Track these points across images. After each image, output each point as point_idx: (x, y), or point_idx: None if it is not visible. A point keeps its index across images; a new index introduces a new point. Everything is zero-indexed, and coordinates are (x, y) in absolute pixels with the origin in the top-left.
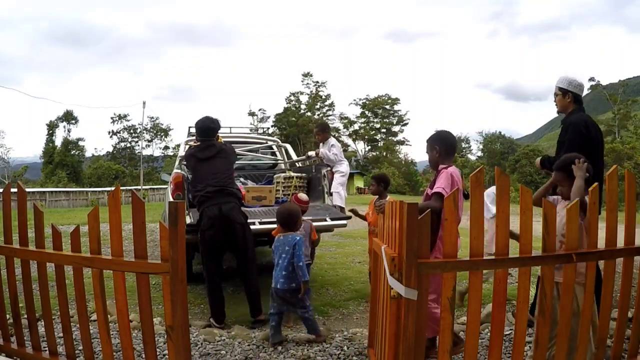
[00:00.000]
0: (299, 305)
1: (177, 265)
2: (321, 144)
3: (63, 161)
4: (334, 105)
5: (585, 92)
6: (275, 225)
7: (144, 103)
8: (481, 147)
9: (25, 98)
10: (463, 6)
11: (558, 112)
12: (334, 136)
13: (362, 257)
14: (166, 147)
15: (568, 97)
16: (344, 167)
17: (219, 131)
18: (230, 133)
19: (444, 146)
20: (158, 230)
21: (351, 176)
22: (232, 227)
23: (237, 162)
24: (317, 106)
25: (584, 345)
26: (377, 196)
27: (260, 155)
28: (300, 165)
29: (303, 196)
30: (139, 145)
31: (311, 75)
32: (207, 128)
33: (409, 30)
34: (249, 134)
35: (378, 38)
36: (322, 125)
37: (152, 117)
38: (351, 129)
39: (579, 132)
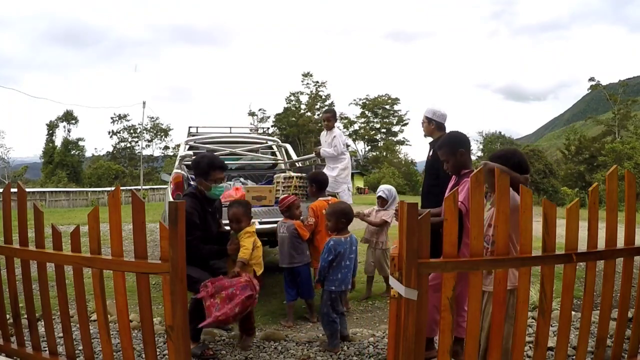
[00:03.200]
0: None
1: (177, 265)
2: (324, 133)
3: (63, 161)
4: (334, 106)
5: (585, 92)
6: (274, 225)
7: (144, 103)
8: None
9: (25, 98)
10: (463, 6)
11: (425, 136)
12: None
13: (362, 257)
14: (166, 147)
15: (432, 124)
16: (343, 163)
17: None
18: (230, 133)
19: (468, 146)
20: (158, 230)
21: (351, 176)
22: None
23: (237, 162)
24: (317, 106)
25: (583, 346)
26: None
27: (260, 155)
28: (300, 165)
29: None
30: (139, 145)
31: (311, 75)
32: (199, 166)
33: (409, 30)
34: (249, 134)
35: (378, 38)
36: (334, 111)
37: (152, 117)
38: (351, 129)
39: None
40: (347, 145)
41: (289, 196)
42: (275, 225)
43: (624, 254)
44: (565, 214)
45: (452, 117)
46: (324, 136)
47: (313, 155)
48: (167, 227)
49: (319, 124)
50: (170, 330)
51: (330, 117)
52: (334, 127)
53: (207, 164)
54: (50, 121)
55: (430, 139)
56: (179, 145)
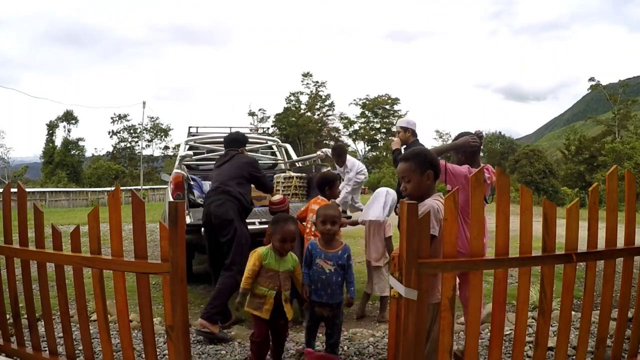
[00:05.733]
0: None
1: (177, 265)
2: (339, 167)
3: (63, 161)
4: (334, 105)
5: (585, 92)
6: None
7: (144, 103)
8: (481, 147)
9: (25, 98)
10: (463, 6)
11: (402, 145)
12: (333, 136)
13: (362, 257)
14: (166, 147)
15: (408, 132)
16: (361, 177)
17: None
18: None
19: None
20: (158, 230)
21: None
22: (218, 222)
23: None
24: (317, 106)
25: (583, 346)
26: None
27: (260, 155)
28: (300, 165)
29: (275, 198)
30: (139, 145)
31: (311, 75)
32: (229, 139)
33: (409, 30)
34: (249, 134)
35: (378, 38)
36: (338, 149)
37: (152, 117)
38: (351, 129)
39: None
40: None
41: (284, 198)
42: None
43: (624, 254)
44: (565, 214)
45: (452, 117)
46: (343, 172)
47: (313, 155)
48: (167, 227)
49: (319, 124)
50: (170, 330)
51: (335, 156)
52: (345, 159)
53: (240, 137)
54: (50, 121)
55: (405, 147)
56: (179, 145)
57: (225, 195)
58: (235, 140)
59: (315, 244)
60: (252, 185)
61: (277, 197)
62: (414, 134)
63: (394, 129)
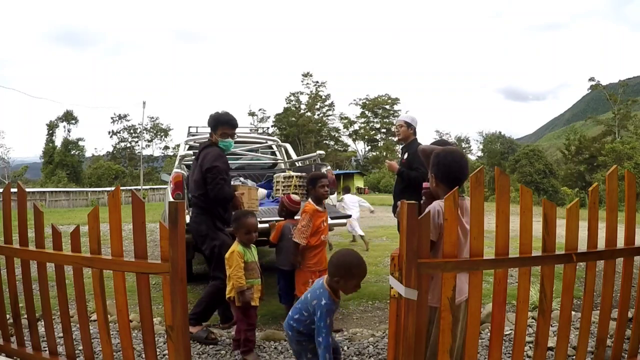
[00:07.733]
0: None
1: (177, 265)
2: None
3: (63, 161)
4: (334, 105)
5: (585, 92)
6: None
7: (144, 103)
8: (481, 147)
9: (25, 98)
10: (463, 6)
11: (400, 141)
12: (333, 136)
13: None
14: (166, 147)
15: (410, 129)
16: None
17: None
18: None
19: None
20: (158, 230)
21: (351, 176)
22: (195, 236)
23: (237, 162)
24: (317, 106)
25: (583, 346)
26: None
27: (260, 155)
28: (300, 164)
29: (295, 197)
30: (139, 145)
31: (311, 75)
32: (209, 121)
33: (409, 29)
34: (249, 133)
35: (378, 38)
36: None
37: (152, 117)
38: (351, 129)
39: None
40: None
41: (300, 201)
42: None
43: (624, 254)
44: (565, 214)
45: (452, 117)
46: None
47: (313, 154)
48: (167, 227)
49: (319, 124)
50: (170, 330)
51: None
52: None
53: (214, 119)
54: (50, 121)
55: (402, 144)
56: (179, 145)
57: (196, 209)
58: (211, 124)
59: (332, 301)
60: (255, 185)
61: (296, 197)
62: (414, 132)
63: (393, 128)
